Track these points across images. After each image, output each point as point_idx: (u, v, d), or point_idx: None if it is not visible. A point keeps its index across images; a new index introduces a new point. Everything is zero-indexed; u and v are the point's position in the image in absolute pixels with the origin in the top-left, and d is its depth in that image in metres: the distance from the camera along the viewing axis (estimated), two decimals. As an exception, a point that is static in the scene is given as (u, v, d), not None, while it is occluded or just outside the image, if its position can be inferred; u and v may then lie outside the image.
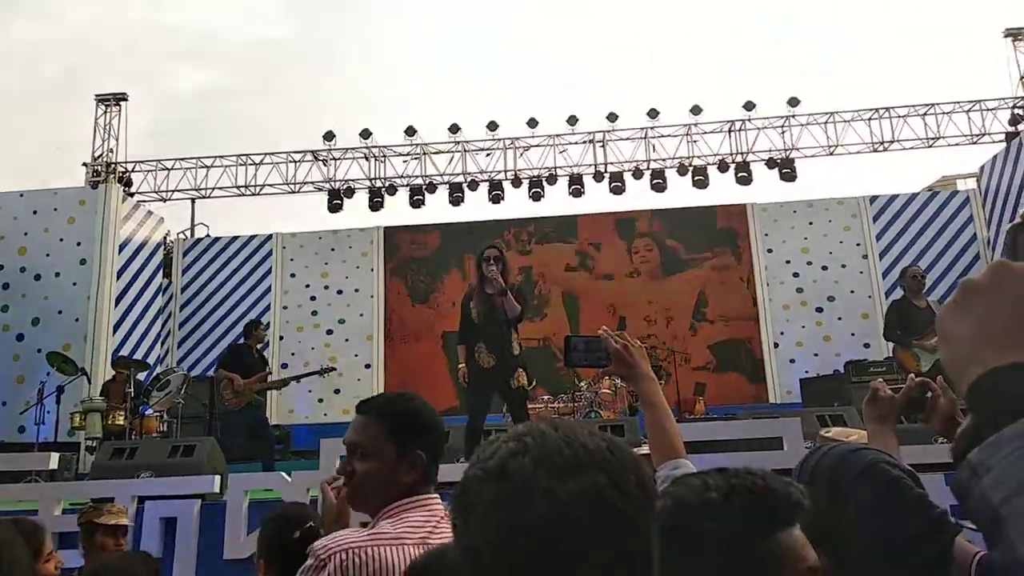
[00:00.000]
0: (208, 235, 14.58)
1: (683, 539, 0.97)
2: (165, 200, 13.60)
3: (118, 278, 11.78)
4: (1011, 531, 0.51)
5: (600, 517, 0.70)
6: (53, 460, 5.47)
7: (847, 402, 8.35)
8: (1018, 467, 0.53)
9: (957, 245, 12.78)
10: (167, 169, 13.49)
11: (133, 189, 13.17)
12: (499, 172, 13.16)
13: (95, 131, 13.09)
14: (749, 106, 12.75)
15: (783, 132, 12.92)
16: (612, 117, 12.96)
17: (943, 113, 12.69)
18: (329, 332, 13.32)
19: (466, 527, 0.75)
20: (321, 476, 4.85)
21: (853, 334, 12.49)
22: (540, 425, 0.77)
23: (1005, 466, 0.54)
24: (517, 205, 13.26)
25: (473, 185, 13.10)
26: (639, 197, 13.14)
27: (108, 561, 2.40)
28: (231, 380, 7.51)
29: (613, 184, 12.83)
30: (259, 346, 8.04)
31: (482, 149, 13.30)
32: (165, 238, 13.82)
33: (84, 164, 12.97)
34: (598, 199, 13.22)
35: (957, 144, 12.76)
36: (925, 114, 12.74)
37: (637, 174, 12.91)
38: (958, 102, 12.68)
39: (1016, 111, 12.32)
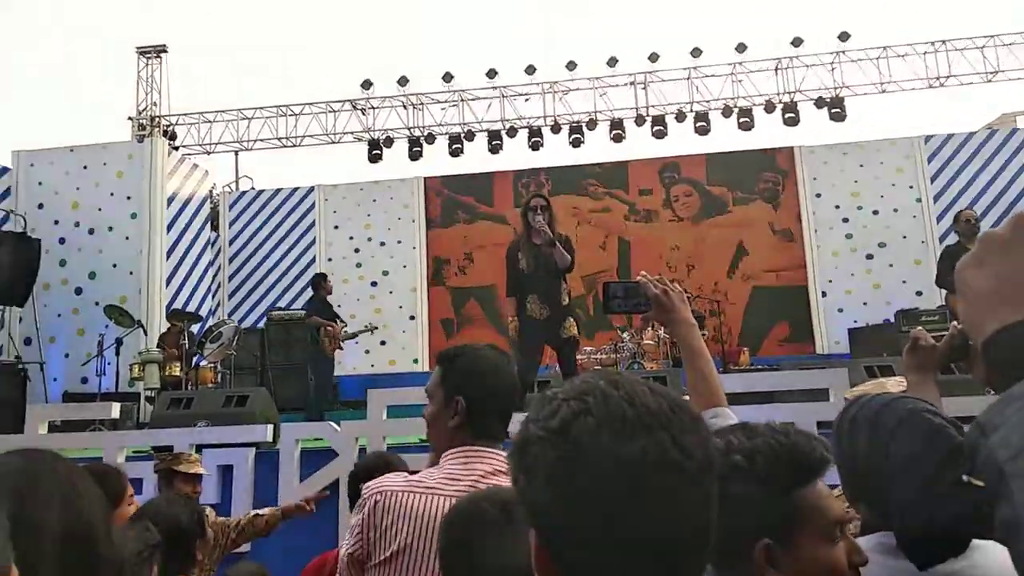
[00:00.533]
0: (252, 188, 14.75)
1: None
2: (209, 153, 13.77)
3: (168, 231, 12.04)
4: (1016, 489, 0.51)
5: (664, 477, 0.70)
6: (115, 410, 5.71)
7: (897, 352, 8.20)
8: None
9: (1017, 186, 12.23)
10: (209, 122, 13.62)
11: (177, 142, 13.34)
12: (538, 118, 12.98)
13: (137, 84, 13.23)
14: (797, 42, 12.28)
15: (832, 69, 12.44)
16: (654, 57, 12.62)
17: (1004, 45, 12.05)
18: (373, 284, 13.48)
19: (529, 487, 0.75)
20: (369, 426, 5.00)
21: (904, 281, 12.15)
22: (600, 383, 0.76)
23: (1012, 424, 0.54)
24: (557, 152, 13.12)
25: (512, 132, 12.96)
26: (682, 141, 12.87)
27: (153, 504, 2.54)
28: (329, 327, 8.34)
29: (655, 128, 12.57)
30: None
31: (521, 94, 13.10)
32: (211, 191, 14.03)
33: (129, 118, 13.17)
34: (640, 144, 12.98)
35: (1019, 78, 12.15)
36: (984, 47, 12.11)
37: (680, 117, 12.61)
38: (1020, 32, 12.01)
39: (1084, 41, 11.66)
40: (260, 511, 3.77)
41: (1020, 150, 12.37)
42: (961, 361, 1.84)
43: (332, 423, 5.11)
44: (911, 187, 12.58)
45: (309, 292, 13.45)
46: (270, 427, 5.30)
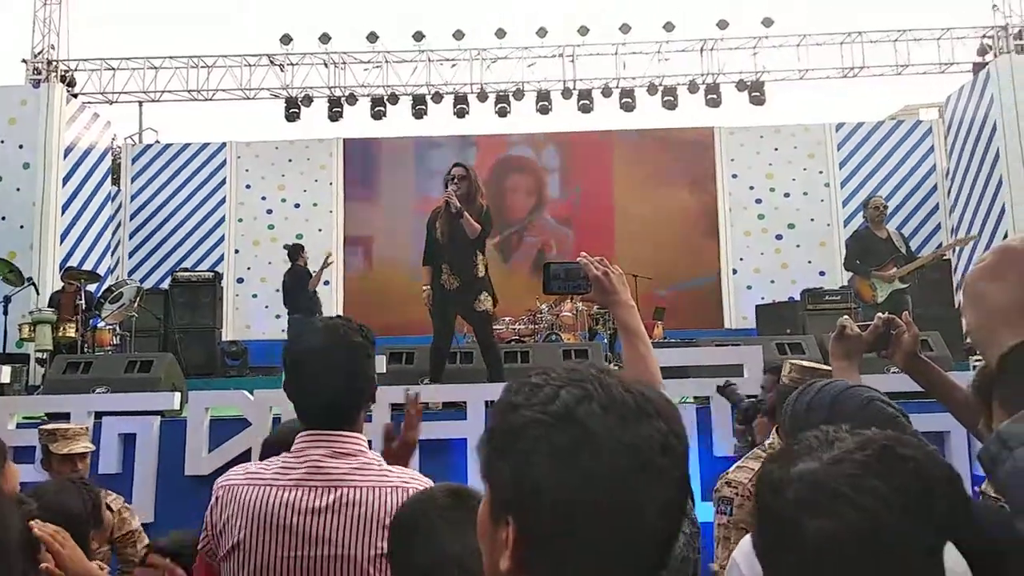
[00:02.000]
0: (158, 141, 13.99)
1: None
2: (112, 103, 12.92)
3: (64, 184, 11.26)
4: None
5: (664, 461, 0.74)
6: (6, 373, 5.32)
7: (801, 329, 8.55)
8: None
9: (917, 175, 12.95)
10: (113, 69, 12.76)
11: (76, 90, 12.45)
12: (464, 85, 12.76)
13: (34, 25, 12.23)
14: (723, 24, 12.46)
15: (755, 53, 12.71)
16: (583, 31, 12.57)
17: (913, 40, 12.60)
18: (286, 247, 13.04)
19: (527, 472, 0.73)
20: (283, 395, 4.82)
21: (810, 262, 12.71)
22: (592, 371, 0.78)
23: None
24: (482, 120, 12.96)
25: (437, 98, 12.70)
26: (607, 116, 12.95)
27: (42, 488, 2.29)
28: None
29: (581, 102, 12.56)
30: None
31: (447, 60, 12.84)
32: (112, 142, 13.20)
33: (23, 61, 12.18)
34: (565, 117, 12.98)
35: (925, 72, 12.74)
36: (896, 40, 12.63)
37: (606, 92, 12.65)
38: (928, 29, 12.58)
39: (985, 40, 12.28)
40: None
41: (922, 141, 13.07)
42: (883, 349, 1.92)
43: (245, 391, 4.91)
44: (821, 172, 13.12)
45: (218, 253, 13.06)
46: (177, 395, 5.05)
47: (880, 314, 1.95)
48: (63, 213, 11.18)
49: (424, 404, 2.36)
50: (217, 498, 1.65)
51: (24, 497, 1.82)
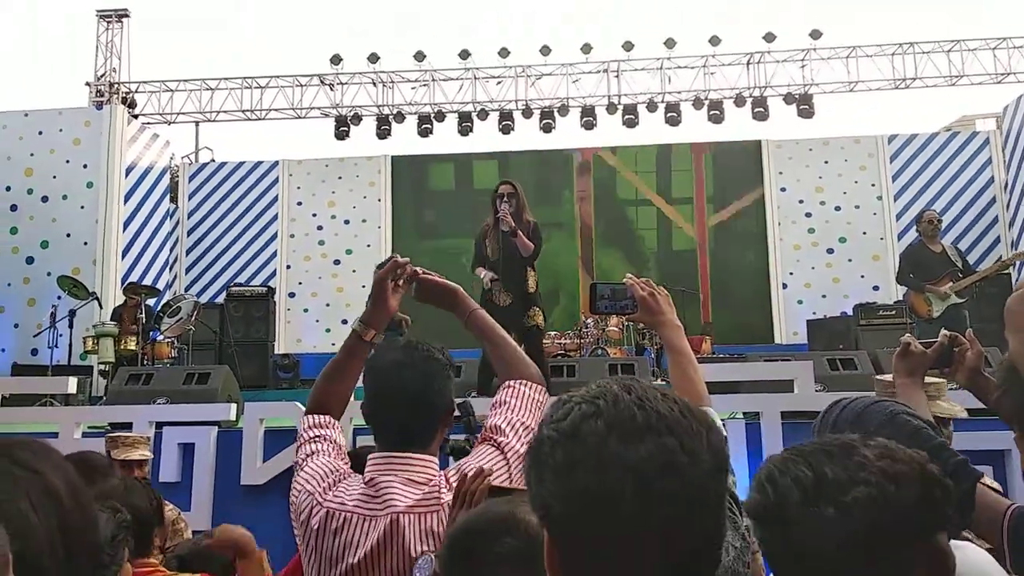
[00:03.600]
0: (213, 160, 14.42)
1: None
2: (170, 123, 13.39)
3: (125, 202, 11.69)
4: None
5: (670, 481, 0.71)
6: (72, 384, 5.53)
7: (854, 345, 8.38)
8: None
9: (974, 188, 12.58)
10: (171, 91, 13.23)
11: (137, 111, 12.95)
12: (509, 101, 12.89)
13: (97, 49, 12.78)
14: (769, 37, 12.36)
15: (803, 66, 12.56)
16: (628, 46, 12.60)
17: (968, 50, 12.31)
18: (336, 262, 13.31)
19: (540, 484, 0.76)
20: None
21: (863, 276, 12.43)
22: (614, 387, 0.78)
23: None
24: (527, 136, 13.06)
25: (483, 114, 12.85)
26: (652, 130, 12.92)
27: (109, 488, 2.38)
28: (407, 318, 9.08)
29: (626, 117, 12.57)
30: None
31: (492, 76, 12.99)
32: (171, 162, 13.67)
33: (87, 84, 12.73)
34: (609, 131, 13.01)
35: (981, 83, 12.43)
36: (950, 51, 12.37)
37: (651, 107, 12.63)
38: (984, 39, 12.28)
39: (1044, 49, 11.95)
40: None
41: (978, 153, 12.70)
42: (946, 366, 1.91)
43: (298, 403, 5.02)
44: (873, 185, 12.84)
45: (270, 268, 13.37)
46: (233, 406, 5.19)
47: (945, 331, 1.93)
48: (124, 230, 11.60)
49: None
50: (321, 517, 1.59)
51: (118, 505, 1.90)
